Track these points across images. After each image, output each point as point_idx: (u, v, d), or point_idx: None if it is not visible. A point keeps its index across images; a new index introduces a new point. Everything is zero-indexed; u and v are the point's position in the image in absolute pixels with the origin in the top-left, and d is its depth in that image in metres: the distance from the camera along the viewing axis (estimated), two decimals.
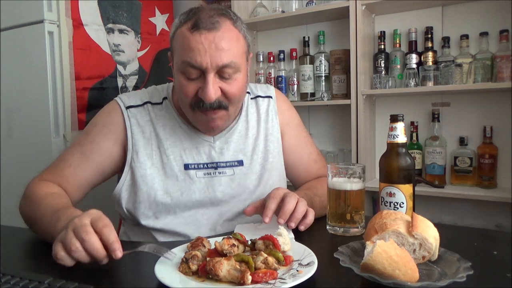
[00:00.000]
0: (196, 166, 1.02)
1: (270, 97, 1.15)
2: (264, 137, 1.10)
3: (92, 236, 0.66)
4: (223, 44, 0.87)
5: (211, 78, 0.88)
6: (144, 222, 1.00)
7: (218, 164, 1.03)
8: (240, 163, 1.05)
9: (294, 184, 1.22)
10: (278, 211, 0.85)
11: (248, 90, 1.14)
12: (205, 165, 1.02)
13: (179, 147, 1.02)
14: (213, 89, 0.89)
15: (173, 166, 1.00)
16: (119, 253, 0.66)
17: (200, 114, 0.94)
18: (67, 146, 1.91)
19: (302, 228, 0.87)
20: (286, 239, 0.74)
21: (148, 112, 1.04)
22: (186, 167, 1.01)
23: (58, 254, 0.67)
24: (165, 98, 1.07)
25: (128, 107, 1.03)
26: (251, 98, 1.14)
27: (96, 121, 1.05)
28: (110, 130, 1.02)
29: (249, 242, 0.75)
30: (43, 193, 0.92)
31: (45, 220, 0.81)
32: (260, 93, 1.15)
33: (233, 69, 0.90)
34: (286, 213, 0.84)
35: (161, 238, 1.01)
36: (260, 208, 0.88)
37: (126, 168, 1.01)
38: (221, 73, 0.90)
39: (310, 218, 0.88)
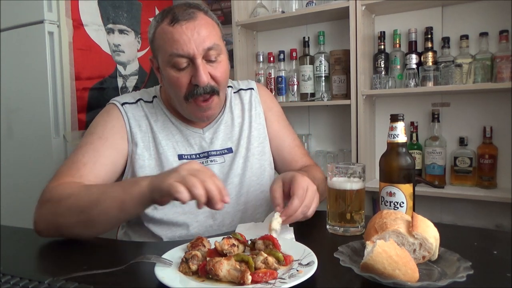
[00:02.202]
0: (189, 157, 1.07)
1: (252, 89, 1.22)
2: (249, 123, 1.16)
3: (211, 179, 0.72)
4: (203, 30, 0.95)
5: (200, 62, 0.95)
6: (144, 212, 1.01)
7: (209, 153, 1.09)
8: (230, 150, 1.11)
9: (280, 171, 1.23)
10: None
11: (230, 85, 1.20)
12: (198, 155, 1.08)
13: (171, 139, 1.07)
14: (204, 73, 0.95)
15: (168, 156, 1.05)
16: (227, 198, 0.73)
17: (194, 104, 0.99)
18: (67, 145, 1.91)
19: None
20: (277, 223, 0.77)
21: (142, 108, 1.09)
22: (180, 157, 1.06)
23: (178, 188, 0.70)
24: (154, 97, 1.12)
25: (123, 104, 1.07)
26: (234, 92, 1.20)
27: (97, 121, 1.06)
28: (114, 125, 1.04)
29: (249, 242, 0.75)
30: (81, 185, 0.90)
31: (114, 191, 0.82)
32: (242, 87, 1.22)
33: (217, 51, 0.97)
34: (289, 214, 0.85)
35: (161, 231, 1.02)
36: (283, 196, 0.89)
37: (128, 161, 1.04)
38: (207, 56, 0.96)
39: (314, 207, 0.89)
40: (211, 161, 1.08)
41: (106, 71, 2.12)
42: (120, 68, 2.20)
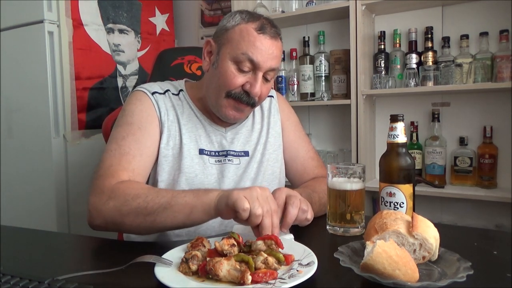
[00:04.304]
0: (209, 153, 1.09)
1: (271, 96, 1.25)
2: (267, 130, 1.18)
3: (270, 217, 0.76)
4: (277, 52, 1.02)
5: (261, 76, 1.01)
6: None
7: (228, 152, 1.11)
8: (246, 153, 1.13)
9: (291, 181, 1.24)
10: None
11: None
12: (217, 153, 1.10)
13: (195, 133, 1.09)
14: (259, 86, 1.01)
15: (190, 149, 1.07)
16: (276, 230, 0.78)
17: (232, 101, 1.03)
18: (67, 145, 1.91)
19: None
20: None
21: (170, 99, 1.11)
22: (201, 151, 1.08)
23: (245, 206, 0.75)
24: (181, 90, 1.14)
25: (153, 93, 1.09)
26: None
27: (132, 110, 1.06)
28: (149, 114, 1.05)
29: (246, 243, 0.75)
30: (147, 186, 0.93)
31: (186, 196, 0.84)
32: None
33: (274, 74, 1.05)
34: (288, 223, 0.85)
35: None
36: None
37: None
38: (266, 74, 1.02)
39: (309, 217, 0.89)
40: (229, 160, 1.10)
41: (106, 71, 2.12)
42: (120, 68, 2.20)
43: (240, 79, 1.00)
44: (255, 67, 0.99)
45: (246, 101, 1.02)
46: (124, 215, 0.87)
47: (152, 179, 1.06)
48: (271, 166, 1.16)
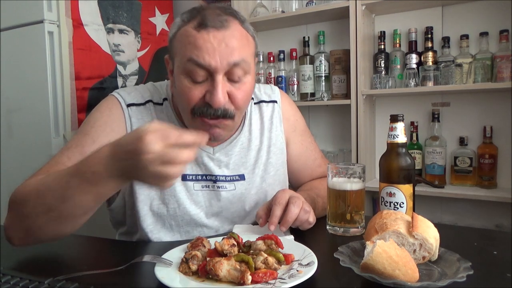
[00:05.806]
0: (194, 178, 0.95)
1: (274, 101, 1.09)
2: (267, 148, 1.04)
3: (179, 163, 0.62)
4: (234, 43, 0.81)
5: (220, 79, 0.81)
6: (138, 235, 0.96)
7: (217, 177, 0.96)
8: (242, 177, 0.99)
9: (295, 189, 1.21)
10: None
11: None
12: (203, 177, 0.96)
13: None
14: (222, 93, 0.81)
15: None
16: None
17: (200, 122, 0.86)
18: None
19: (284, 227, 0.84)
20: None
21: (150, 112, 0.95)
22: (184, 177, 0.94)
23: (168, 184, 0.64)
24: (165, 99, 0.99)
25: (129, 105, 0.94)
26: (255, 103, 1.07)
27: (95, 119, 0.92)
28: (113, 129, 0.91)
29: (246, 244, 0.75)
30: (39, 179, 0.77)
31: (82, 195, 0.68)
32: (264, 98, 1.09)
33: (243, 70, 0.84)
34: (288, 222, 0.83)
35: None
36: (268, 212, 0.86)
37: None
38: (230, 74, 0.83)
39: (310, 220, 0.87)
40: (218, 187, 0.96)
41: (106, 71, 2.12)
42: (120, 68, 2.20)
43: (196, 92, 0.83)
44: (209, 71, 0.81)
45: (213, 114, 0.83)
46: (25, 217, 0.75)
47: (130, 209, 0.95)
48: (273, 189, 1.02)
